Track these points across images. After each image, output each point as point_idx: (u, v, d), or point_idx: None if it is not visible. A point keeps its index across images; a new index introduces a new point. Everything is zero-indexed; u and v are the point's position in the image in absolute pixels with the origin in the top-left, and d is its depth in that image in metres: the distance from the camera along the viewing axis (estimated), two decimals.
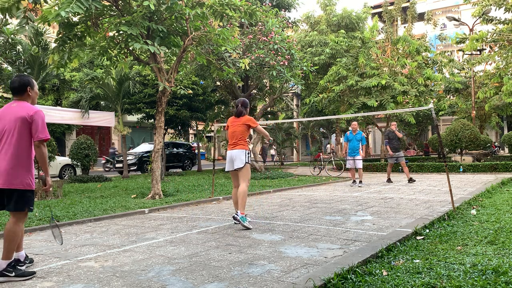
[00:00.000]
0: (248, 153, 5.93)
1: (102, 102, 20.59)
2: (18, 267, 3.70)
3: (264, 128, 25.79)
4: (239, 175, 5.88)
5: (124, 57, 9.82)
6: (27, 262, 3.93)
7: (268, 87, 19.05)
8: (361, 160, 11.80)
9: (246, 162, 5.85)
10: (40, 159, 3.82)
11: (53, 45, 9.06)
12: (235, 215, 5.67)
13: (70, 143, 24.45)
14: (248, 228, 5.54)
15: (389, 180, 12.59)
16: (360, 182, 11.71)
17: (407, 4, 22.49)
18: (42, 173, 4.22)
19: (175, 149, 22.10)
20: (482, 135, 19.58)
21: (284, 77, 14.87)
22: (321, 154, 27.21)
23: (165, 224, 6.13)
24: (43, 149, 3.79)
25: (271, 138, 5.90)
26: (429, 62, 19.84)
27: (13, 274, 3.62)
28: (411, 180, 11.95)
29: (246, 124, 6.01)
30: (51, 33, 18.73)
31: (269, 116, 25.49)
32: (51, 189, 4.06)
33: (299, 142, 36.20)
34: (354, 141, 11.54)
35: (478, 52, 19.22)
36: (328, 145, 38.46)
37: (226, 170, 6.06)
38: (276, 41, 14.60)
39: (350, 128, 11.83)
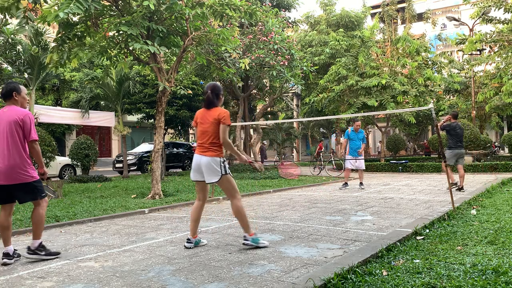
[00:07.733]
0: (224, 161, 4.47)
1: (102, 102, 20.59)
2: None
3: (263, 128, 25.78)
4: (222, 189, 4.61)
5: (124, 57, 9.81)
6: (15, 256, 4.20)
7: (268, 87, 19.06)
8: (363, 161, 10.94)
9: (222, 174, 4.41)
10: (36, 156, 4.26)
11: (53, 45, 9.05)
12: (190, 238, 4.55)
13: (70, 143, 24.44)
14: (266, 247, 4.48)
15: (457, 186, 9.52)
16: (361, 184, 10.96)
17: (405, 4, 22.53)
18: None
19: (175, 149, 22.08)
20: (482, 135, 19.60)
21: (284, 77, 14.88)
22: (322, 145, 27.25)
23: (165, 224, 6.13)
24: (36, 147, 4.25)
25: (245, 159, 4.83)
26: (429, 62, 19.85)
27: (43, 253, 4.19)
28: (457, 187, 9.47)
29: (218, 121, 4.44)
30: (51, 33, 18.71)
31: (269, 116, 25.51)
32: (47, 176, 4.55)
33: (299, 142, 36.21)
34: (357, 141, 10.65)
35: (478, 52, 19.23)
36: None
37: (192, 179, 4.60)
38: (276, 41, 14.61)
39: (352, 126, 10.83)
